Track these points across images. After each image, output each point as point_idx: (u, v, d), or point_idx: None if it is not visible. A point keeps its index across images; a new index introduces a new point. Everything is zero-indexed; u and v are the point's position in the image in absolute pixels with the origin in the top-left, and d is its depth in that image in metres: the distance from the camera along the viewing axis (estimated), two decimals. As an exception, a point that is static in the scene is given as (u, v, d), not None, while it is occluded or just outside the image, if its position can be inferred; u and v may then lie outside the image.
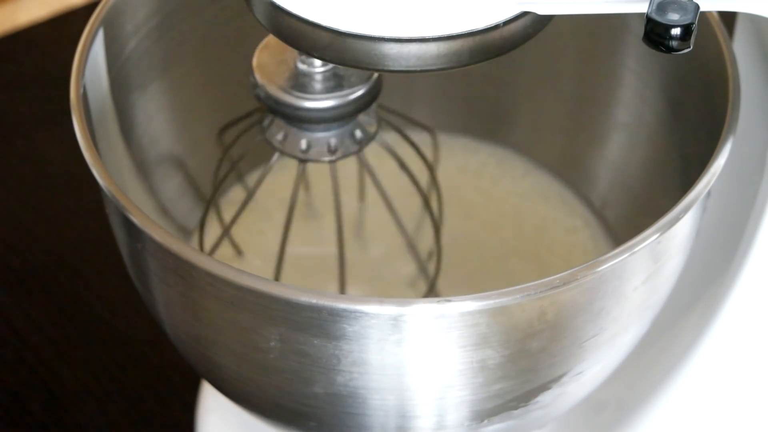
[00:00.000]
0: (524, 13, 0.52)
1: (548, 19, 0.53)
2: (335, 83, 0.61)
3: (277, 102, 0.61)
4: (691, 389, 0.66)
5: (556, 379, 0.57)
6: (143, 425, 0.78)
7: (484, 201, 0.74)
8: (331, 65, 0.61)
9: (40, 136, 0.93)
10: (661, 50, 0.48)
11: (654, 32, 0.48)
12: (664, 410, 0.67)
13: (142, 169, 0.69)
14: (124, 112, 0.66)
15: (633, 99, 0.70)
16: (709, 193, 0.57)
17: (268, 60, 0.62)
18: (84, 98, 0.58)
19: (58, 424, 0.78)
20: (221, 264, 0.52)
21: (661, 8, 0.48)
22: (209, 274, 0.52)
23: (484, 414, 0.57)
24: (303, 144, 0.63)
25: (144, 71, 0.67)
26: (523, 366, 0.55)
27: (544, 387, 0.57)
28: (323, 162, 0.64)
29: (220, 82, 0.73)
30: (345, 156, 0.64)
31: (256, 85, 0.62)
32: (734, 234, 0.65)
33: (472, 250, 0.72)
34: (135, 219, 0.54)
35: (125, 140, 0.66)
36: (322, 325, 0.52)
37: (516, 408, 0.57)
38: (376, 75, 0.62)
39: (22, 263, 0.86)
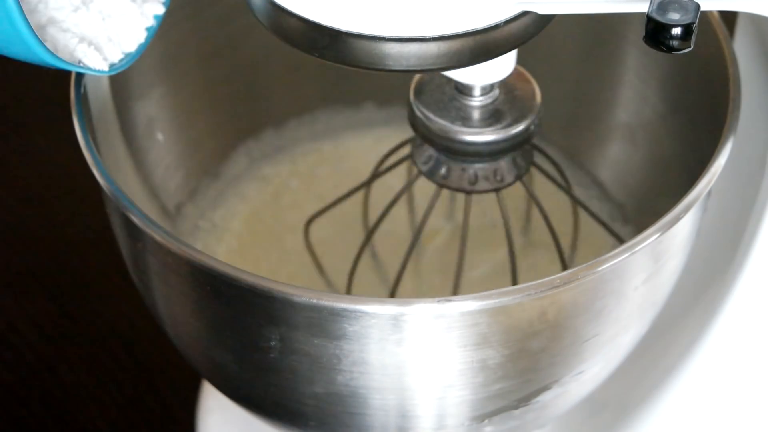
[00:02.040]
0: (524, 13, 0.52)
1: (548, 18, 0.53)
2: (495, 116, 0.61)
3: (435, 134, 0.60)
4: (691, 389, 0.66)
5: (556, 379, 0.57)
6: (143, 425, 0.78)
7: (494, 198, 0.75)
8: (489, 98, 0.60)
9: (40, 136, 0.93)
10: (662, 50, 0.48)
11: (655, 32, 0.48)
12: (664, 410, 0.67)
13: (142, 169, 0.69)
14: (124, 112, 0.66)
15: (633, 98, 0.70)
16: (709, 193, 0.57)
17: (426, 91, 0.61)
18: (84, 98, 0.58)
19: (58, 424, 0.78)
20: (222, 264, 0.52)
21: (662, 8, 0.48)
22: (209, 274, 0.52)
23: (484, 414, 0.57)
24: (443, 171, 0.62)
25: (144, 71, 0.67)
26: (523, 366, 0.55)
27: (544, 387, 0.57)
28: (462, 191, 0.63)
29: (220, 82, 0.73)
30: (485, 191, 0.63)
31: (414, 116, 0.61)
32: (734, 234, 0.65)
33: (489, 245, 0.72)
34: (135, 219, 0.54)
35: (125, 140, 0.66)
36: (322, 324, 0.52)
37: (516, 408, 0.57)
38: (536, 112, 0.61)
39: (22, 263, 0.86)
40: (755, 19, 0.64)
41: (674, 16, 0.48)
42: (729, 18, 0.63)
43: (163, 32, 0.59)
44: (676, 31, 0.48)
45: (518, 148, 0.61)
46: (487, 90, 0.60)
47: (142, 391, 0.79)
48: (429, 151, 0.63)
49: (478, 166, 0.62)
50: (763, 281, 0.63)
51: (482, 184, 0.63)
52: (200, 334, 0.58)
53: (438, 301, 0.51)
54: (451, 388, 0.55)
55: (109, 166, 0.56)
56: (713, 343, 0.65)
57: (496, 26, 0.51)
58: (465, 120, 0.60)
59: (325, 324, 0.52)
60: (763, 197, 0.62)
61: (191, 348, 0.61)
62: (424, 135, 0.61)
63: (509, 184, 0.63)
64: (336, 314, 0.52)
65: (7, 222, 0.88)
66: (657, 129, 0.69)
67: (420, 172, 0.63)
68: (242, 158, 0.75)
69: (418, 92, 0.61)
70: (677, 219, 0.54)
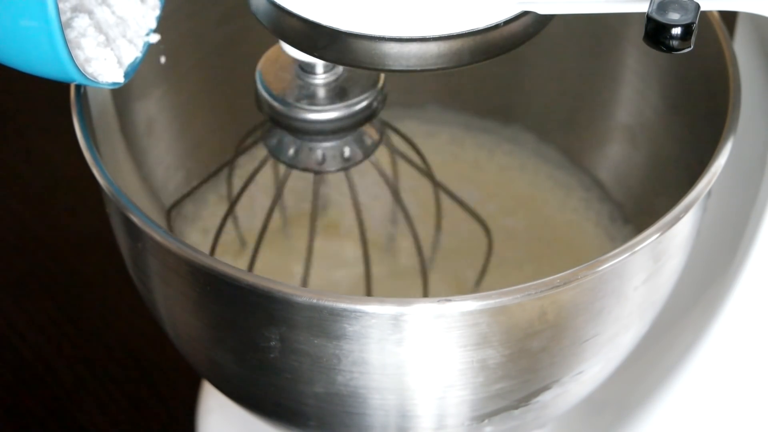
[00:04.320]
0: (524, 13, 0.52)
1: (549, 18, 0.53)
2: (339, 93, 0.61)
3: (280, 114, 0.61)
4: (691, 389, 0.66)
5: (556, 379, 0.57)
6: (143, 425, 0.78)
7: (501, 193, 0.75)
8: (332, 76, 0.61)
9: (40, 136, 0.93)
10: (662, 50, 0.48)
11: (655, 32, 0.48)
12: (664, 410, 0.67)
13: (142, 169, 0.69)
14: (124, 112, 0.66)
15: (633, 98, 0.70)
16: (709, 193, 0.57)
17: (271, 71, 0.62)
18: (84, 98, 0.58)
19: (58, 424, 0.78)
20: (222, 264, 0.52)
21: (662, 8, 0.48)
22: (210, 274, 0.52)
23: (484, 414, 0.57)
24: (290, 152, 0.62)
25: (144, 71, 0.67)
26: (523, 366, 0.55)
27: (544, 387, 0.57)
28: (309, 172, 0.63)
29: (220, 82, 0.73)
30: (351, 165, 0.63)
31: (259, 98, 0.62)
32: (734, 234, 0.65)
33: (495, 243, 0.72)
34: (135, 219, 0.54)
35: (125, 140, 0.66)
36: (322, 324, 0.52)
37: (516, 408, 0.57)
38: (378, 87, 0.61)
39: (22, 263, 0.86)
40: (755, 19, 0.64)
41: (674, 16, 0.48)
42: (729, 18, 0.63)
43: (163, 32, 0.59)
44: (676, 31, 0.48)
45: (362, 124, 0.61)
46: (329, 68, 0.60)
47: (142, 391, 0.79)
48: (277, 131, 0.62)
49: (325, 145, 0.62)
50: (763, 281, 0.63)
51: (330, 164, 0.62)
52: (200, 334, 0.58)
53: (438, 301, 0.51)
54: (451, 388, 0.55)
55: (109, 166, 0.56)
56: (713, 343, 0.65)
57: (496, 26, 0.51)
58: (308, 98, 0.60)
59: (325, 324, 0.52)
60: (763, 197, 0.62)
61: (191, 348, 0.61)
62: (269, 115, 0.61)
63: (357, 163, 0.63)
64: (336, 314, 0.52)
65: (7, 222, 0.88)
66: (657, 129, 0.69)
67: (271, 154, 0.63)
68: (242, 158, 0.75)
69: (263, 71, 0.61)
70: (677, 219, 0.54)
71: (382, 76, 0.61)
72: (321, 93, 0.60)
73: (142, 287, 0.60)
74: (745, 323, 0.64)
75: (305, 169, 0.62)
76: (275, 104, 0.60)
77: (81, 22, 0.54)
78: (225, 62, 0.72)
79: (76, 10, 0.54)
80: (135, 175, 0.68)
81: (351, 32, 0.51)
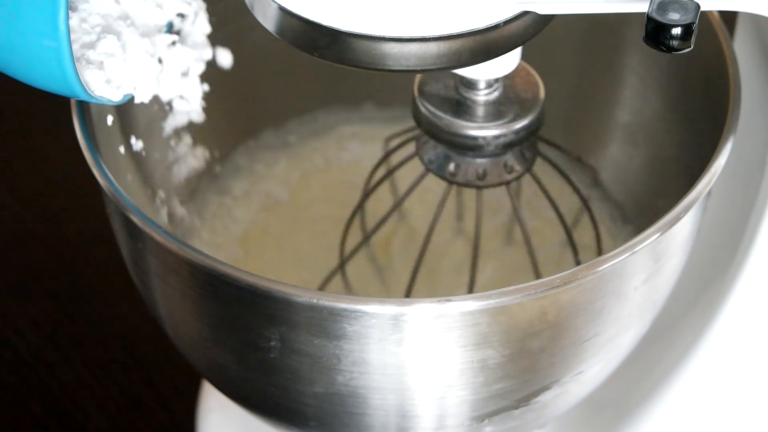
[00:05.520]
0: (524, 13, 0.52)
1: (548, 18, 0.53)
2: (496, 110, 0.60)
3: (435, 126, 0.60)
4: (691, 389, 0.66)
5: (556, 379, 0.57)
6: (143, 425, 0.78)
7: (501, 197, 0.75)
8: (494, 93, 0.60)
9: (40, 136, 0.93)
10: (662, 50, 0.48)
11: (655, 32, 0.48)
12: (664, 410, 0.67)
13: (142, 169, 0.69)
14: (125, 112, 0.66)
15: (633, 98, 0.70)
16: (709, 193, 0.57)
17: (431, 83, 0.61)
18: (84, 98, 0.58)
19: (58, 424, 0.78)
20: (222, 264, 0.52)
21: (662, 8, 0.48)
22: (210, 274, 0.52)
23: (484, 414, 0.57)
24: (451, 167, 0.62)
25: (144, 71, 0.67)
26: (523, 366, 0.55)
27: (544, 387, 0.57)
28: (471, 187, 0.63)
29: (220, 82, 0.72)
30: (494, 184, 0.62)
31: (417, 108, 0.61)
32: (734, 234, 0.65)
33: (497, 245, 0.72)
34: (135, 219, 0.54)
35: (125, 140, 0.66)
36: (322, 324, 0.52)
37: (516, 408, 0.57)
38: (538, 109, 0.61)
39: (22, 263, 0.86)
40: (755, 19, 0.64)
41: (674, 16, 0.48)
42: (729, 18, 0.63)
43: (163, 32, 0.59)
44: (676, 31, 0.48)
45: (524, 141, 0.61)
46: (491, 84, 0.60)
47: (142, 391, 0.79)
48: (436, 147, 0.62)
49: (485, 160, 0.62)
50: (763, 281, 0.63)
51: (491, 179, 0.62)
52: (200, 334, 0.58)
53: (438, 301, 0.51)
54: (451, 388, 0.55)
55: (109, 166, 0.56)
56: (713, 343, 0.65)
57: (496, 26, 0.51)
58: (470, 114, 0.60)
59: (325, 324, 0.52)
60: (763, 197, 0.62)
61: (191, 348, 0.61)
62: (429, 131, 0.61)
63: (518, 177, 0.63)
64: (336, 314, 0.52)
65: (7, 222, 0.88)
66: (657, 129, 0.69)
67: (427, 170, 0.63)
68: (242, 158, 0.75)
69: (422, 88, 0.61)
70: (677, 219, 0.54)
71: (542, 94, 0.61)
72: (481, 109, 0.60)
73: (142, 287, 0.60)
74: (745, 323, 0.64)
75: (466, 185, 0.62)
76: (436, 120, 0.60)
77: (107, 44, 0.54)
78: (225, 62, 0.72)
79: (104, 31, 0.55)
80: (135, 175, 0.68)
81: (351, 32, 0.51)
